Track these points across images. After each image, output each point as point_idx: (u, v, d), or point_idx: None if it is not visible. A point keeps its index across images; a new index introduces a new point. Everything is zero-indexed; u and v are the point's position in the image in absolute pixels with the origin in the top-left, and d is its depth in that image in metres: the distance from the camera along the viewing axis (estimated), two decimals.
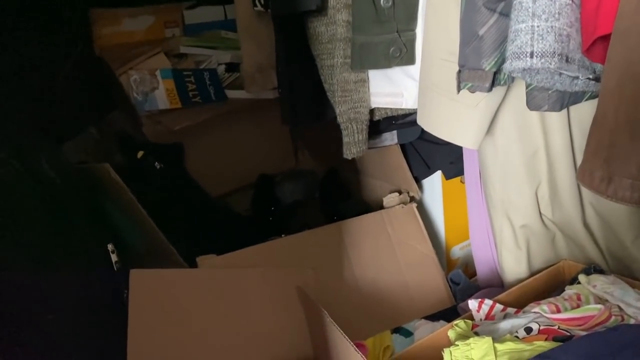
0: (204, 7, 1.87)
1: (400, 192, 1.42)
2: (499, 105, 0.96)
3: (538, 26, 0.67)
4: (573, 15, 0.68)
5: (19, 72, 1.24)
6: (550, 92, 0.83)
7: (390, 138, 1.32)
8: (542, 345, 0.82)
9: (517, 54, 0.68)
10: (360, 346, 1.15)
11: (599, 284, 1.00)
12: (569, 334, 0.86)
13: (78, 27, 1.52)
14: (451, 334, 0.95)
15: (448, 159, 1.37)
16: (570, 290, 1.01)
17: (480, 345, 0.83)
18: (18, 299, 0.91)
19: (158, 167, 1.43)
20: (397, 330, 1.22)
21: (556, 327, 0.88)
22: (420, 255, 1.35)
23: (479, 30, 0.75)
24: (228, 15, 1.88)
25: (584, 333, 0.86)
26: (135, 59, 1.57)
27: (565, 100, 0.85)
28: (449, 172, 1.39)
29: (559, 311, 0.93)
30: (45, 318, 0.96)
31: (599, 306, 0.90)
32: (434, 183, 1.43)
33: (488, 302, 1.03)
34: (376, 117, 1.16)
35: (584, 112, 1.00)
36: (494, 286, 1.30)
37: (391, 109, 1.15)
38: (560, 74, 0.77)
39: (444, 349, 0.86)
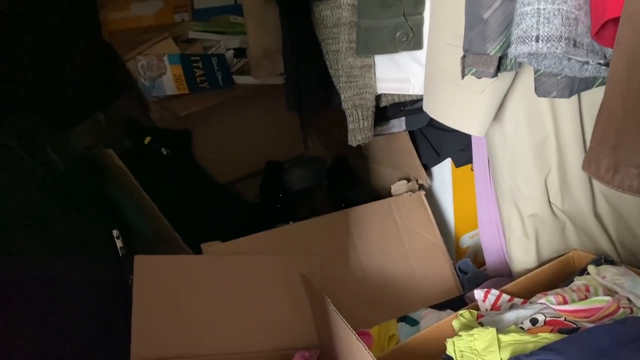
0: None
1: (408, 180, 1.40)
2: (507, 92, 0.93)
3: (544, 9, 0.64)
4: None
5: (25, 58, 1.24)
6: (559, 77, 0.80)
7: (399, 125, 1.30)
8: (547, 337, 0.80)
9: (522, 38, 0.65)
10: (365, 334, 1.15)
11: (609, 275, 0.97)
12: (575, 326, 0.84)
13: (86, 12, 1.51)
14: (455, 324, 0.93)
15: (458, 146, 1.34)
16: (578, 281, 0.99)
17: (483, 336, 0.82)
18: (22, 285, 0.91)
19: (165, 153, 1.43)
20: (403, 319, 1.21)
21: (562, 319, 0.86)
22: (428, 243, 1.34)
23: (483, 13, 0.73)
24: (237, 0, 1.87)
25: (590, 325, 0.84)
26: (144, 44, 1.56)
27: (574, 87, 0.83)
28: (459, 160, 1.37)
29: (565, 302, 0.91)
30: (49, 303, 0.97)
31: (607, 298, 0.87)
32: (444, 171, 1.41)
33: (494, 292, 1.01)
34: (383, 104, 1.14)
35: (596, 99, 0.96)
36: (503, 276, 1.28)
37: (398, 95, 1.13)
38: (569, 59, 0.74)
39: (447, 340, 0.85)
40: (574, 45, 0.66)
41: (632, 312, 0.88)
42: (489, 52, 0.74)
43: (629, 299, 0.91)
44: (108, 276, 1.13)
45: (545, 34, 0.64)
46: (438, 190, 1.46)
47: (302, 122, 1.87)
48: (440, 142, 1.37)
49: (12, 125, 1.00)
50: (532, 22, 0.65)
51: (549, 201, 1.09)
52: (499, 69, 0.78)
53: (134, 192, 1.18)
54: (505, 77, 0.87)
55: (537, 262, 1.15)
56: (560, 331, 0.83)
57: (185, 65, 1.56)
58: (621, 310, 0.87)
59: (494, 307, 1.00)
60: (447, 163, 1.39)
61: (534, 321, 0.87)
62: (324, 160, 1.73)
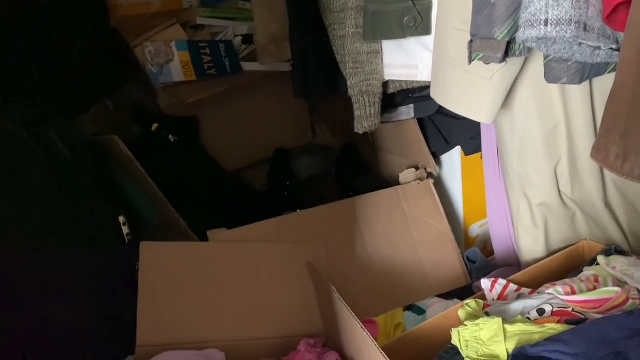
0: None
1: (417, 168, 1.39)
2: (517, 78, 0.91)
3: None
4: None
5: (32, 44, 1.24)
6: (569, 63, 0.78)
7: (407, 112, 1.28)
8: (554, 327, 0.79)
9: (530, 21, 0.64)
10: (371, 323, 1.15)
11: (619, 265, 0.96)
12: (583, 316, 0.83)
13: None
14: (461, 313, 0.93)
15: (468, 134, 1.32)
16: (587, 272, 0.97)
17: (489, 326, 0.81)
18: (29, 271, 0.92)
19: (172, 140, 1.43)
20: (410, 307, 1.20)
21: (570, 310, 0.85)
22: (435, 232, 1.33)
23: None
24: None
25: (599, 316, 0.82)
26: (151, 30, 1.55)
27: (585, 73, 0.80)
28: (469, 148, 1.35)
29: (574, 293, 0.89)
30: (56, 289, 0.97)
31: (615, 289, 0.86)
32: (454, 159, 1.40)
33: (502, 282, 1.00)
34: (390, 90, 1.12)
35: (608, 86, 0.94)
36: (512, 265, 1.26)
37: (406, 81, 1.11)
38: (580, 44, 0.72)
39: (453, 329, 0.84)
40: (585, 29, 0.64)
41: None
42: (496, 36, 0.72)
43: (638, 290, 0.89)
44: (114, 262, 1.13)
45: (555, 17, 0.62)
46: (447, 178, 1.45)
47: (310, 110, 1.86)
48: (449, 130, 1.35)
49: (18, 111, 1.00)
50: (541, 5, 0.63)
51: (559, 190, 1.07)
52: (507, 54, 0.76)
53: (140, 179, 1.18)
54: (514, 63, 0.85)
55: (546, 251, 1.13)
56: (567, 322, 0.82)
57: (193, 52, 1.55)
58: (630, 301, 0.85)
59: (501, 296, 0.99)
60: (457, 151, 1.37)
61: (541, 311, 0.86)
62: (332, 148, 1.72)
